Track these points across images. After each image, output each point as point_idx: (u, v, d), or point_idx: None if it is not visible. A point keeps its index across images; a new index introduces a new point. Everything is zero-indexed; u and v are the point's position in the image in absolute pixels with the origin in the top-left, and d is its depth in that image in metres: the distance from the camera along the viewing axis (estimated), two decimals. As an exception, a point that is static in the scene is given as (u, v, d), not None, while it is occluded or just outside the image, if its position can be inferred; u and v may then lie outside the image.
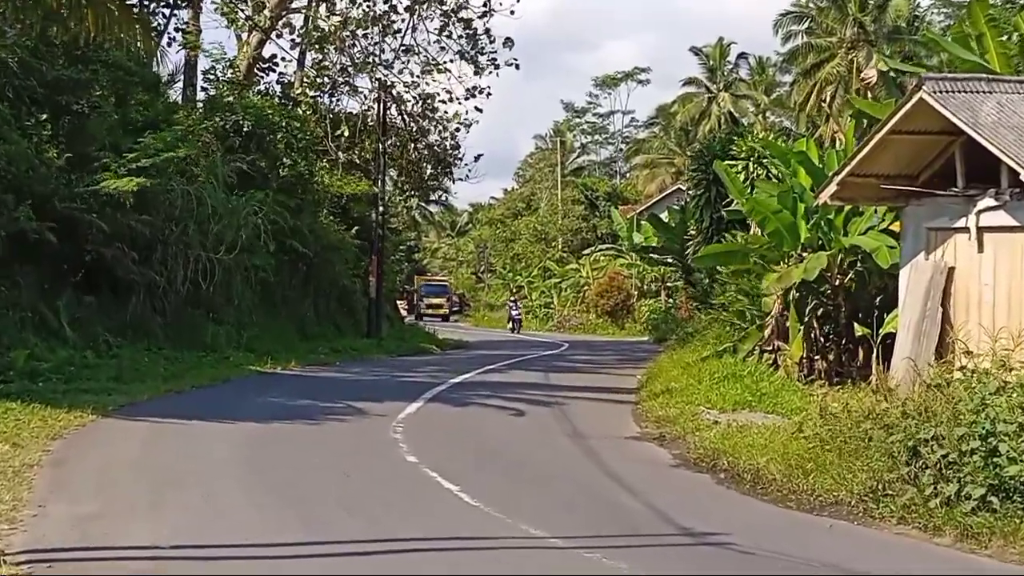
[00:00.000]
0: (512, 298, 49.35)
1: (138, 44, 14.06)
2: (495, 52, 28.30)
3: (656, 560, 6.93)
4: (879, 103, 14.95)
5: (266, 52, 28.12)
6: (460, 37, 28.15)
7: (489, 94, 29.24)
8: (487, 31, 28.24)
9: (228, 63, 26.85)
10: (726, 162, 21.71)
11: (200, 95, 26.21)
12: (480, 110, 30.31)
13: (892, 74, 15.86)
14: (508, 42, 28.34)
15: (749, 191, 17.75)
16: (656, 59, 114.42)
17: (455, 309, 76.37)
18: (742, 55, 61.19)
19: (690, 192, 33.25)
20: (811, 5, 47.49)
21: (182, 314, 19.02)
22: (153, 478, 8.74)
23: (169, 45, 25.40)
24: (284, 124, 24.32)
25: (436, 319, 53.98)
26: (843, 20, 45.02)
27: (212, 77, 26.62)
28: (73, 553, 6.33)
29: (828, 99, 35.89)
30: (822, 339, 15.37)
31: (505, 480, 9.39)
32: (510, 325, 45.30)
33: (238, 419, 12.11)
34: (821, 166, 15.59)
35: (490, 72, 28.49)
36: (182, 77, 25.88)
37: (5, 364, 13.94)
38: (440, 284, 63.23)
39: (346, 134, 28.42)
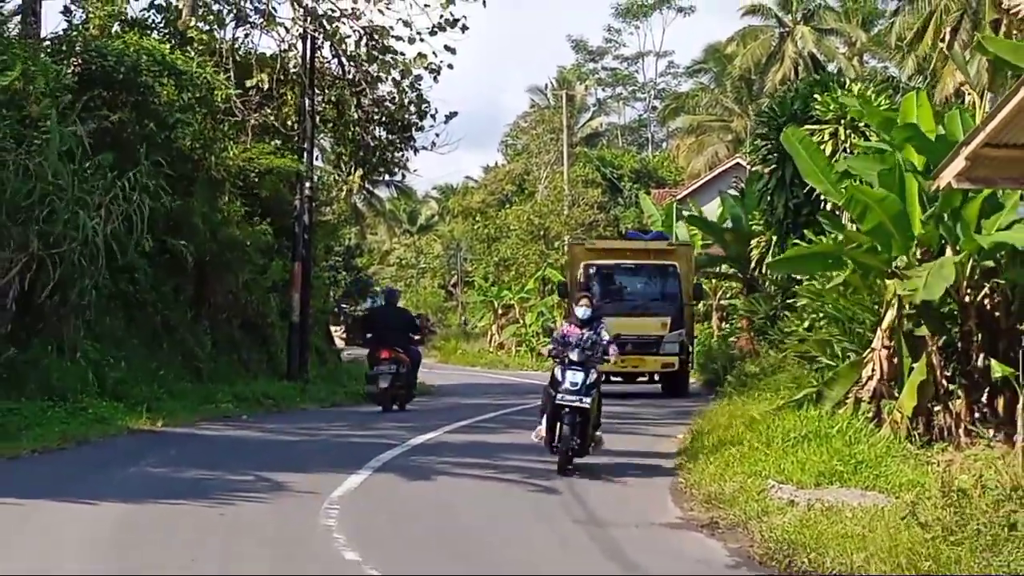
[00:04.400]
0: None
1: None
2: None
3: None
4: (1027, 43, 14.94)
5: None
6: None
7: (465, 28, 29.41)
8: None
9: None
10: (806, 126, 21.87)
11: (50, 27, 26.22)
12: (452, 51, 30.17)
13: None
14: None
15: (839, 170, 17.80)
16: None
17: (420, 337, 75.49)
18: (830, -29, 61.82)
19: (755, 170, 33.39)
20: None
21: (13, 343, 18.98)
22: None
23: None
24: (167, 70, 24.33)
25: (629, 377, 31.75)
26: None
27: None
28: None
29: (947, 36, 36.06)
30: (945, 382, 15.38)
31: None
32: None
33: (100, 499, 12.06)
34: (940, 136, 15.57)
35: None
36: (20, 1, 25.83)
37: None
38: (663, 268, 31.85)
39: (265, 84, 28.38)
